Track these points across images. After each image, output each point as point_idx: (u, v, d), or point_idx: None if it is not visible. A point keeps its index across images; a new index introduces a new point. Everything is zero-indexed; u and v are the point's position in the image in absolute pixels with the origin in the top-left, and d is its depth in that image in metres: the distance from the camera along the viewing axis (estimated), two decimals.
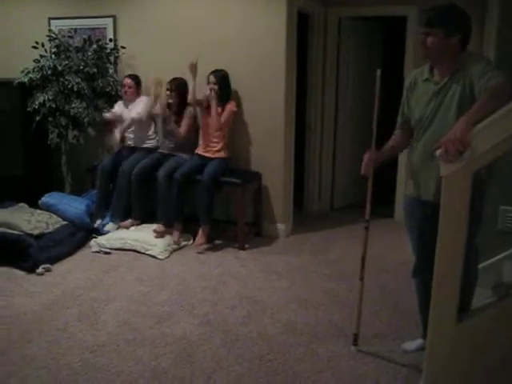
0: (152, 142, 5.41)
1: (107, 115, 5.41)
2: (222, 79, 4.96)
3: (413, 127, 2.83)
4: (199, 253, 4.76)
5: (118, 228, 5.08)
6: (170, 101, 5.10)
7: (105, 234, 4.98)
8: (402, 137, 2.99)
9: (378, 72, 3.02)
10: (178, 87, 5.08)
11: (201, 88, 4.93)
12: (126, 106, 5.38)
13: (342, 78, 6.07)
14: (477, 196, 2.42)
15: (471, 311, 2.60)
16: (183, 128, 5.09)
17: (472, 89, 2.49)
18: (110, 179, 5.21)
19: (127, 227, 5.07)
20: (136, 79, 5.34)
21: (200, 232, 4.86)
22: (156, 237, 4.81)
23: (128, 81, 5.29)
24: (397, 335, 3.32)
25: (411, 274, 3.00)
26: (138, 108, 5.23)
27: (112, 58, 5.54)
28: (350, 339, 3.19)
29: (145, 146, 5.37)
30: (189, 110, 5.11)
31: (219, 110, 4.95)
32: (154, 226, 4.92)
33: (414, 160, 2.82)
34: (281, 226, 5.30)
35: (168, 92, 5.08)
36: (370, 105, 3.24)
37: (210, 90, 4.93)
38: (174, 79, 5.10)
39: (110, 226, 5.08)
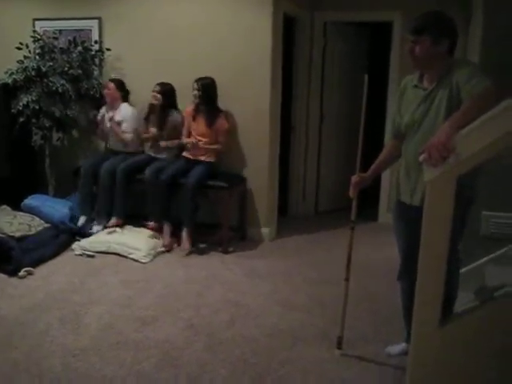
0: (135, 146, 5.38)
1: (98, 117, 5.40)
2: (205, 87, 4.95)
3: (404, 134, 2.84)
4: (186, 255, 4.74)
5: (104, 228, 5.03)
6: (155, 102, 5.09)
7: (88, 235, 4.94)
8: (394, 147, 2.98)
9: (366, 77, 3.03)
10: (166, 92, 5.09)
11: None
12: (107, 110, 5.33)
13: (328, 81, 6.10)
14: (461, 208, 2.44)
15: (454, 315, 2.62)
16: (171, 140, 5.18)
17: (459, 94, 2.50)
18: (93, 179, 5.16)
19: (112, 226, 5.03)
20: (118, 84, 5.28)
21: (184, 236, 4.82)
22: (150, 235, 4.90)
23: (109, 84, 5.25)
24: (381, 338, 3.32)
25: (396, 277, 3.01)
26: (125, 125, 5.22)
27: (97, 60, 5.50)
28: (334, 343, 3.19)
29: (128, 150, 5.34)
30: (173, 118, 5.13)
31: (206, 120, 4.99)
32: (140, 229, 4.95)
33: (402, 165, 2.84)
34: (265, 230, 5.30)
35: (155, 94, 5.08)
36: (355, 107, 3.25)
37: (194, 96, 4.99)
38: (164, 84, 5.10)
39: (96, 227, 5.05)
